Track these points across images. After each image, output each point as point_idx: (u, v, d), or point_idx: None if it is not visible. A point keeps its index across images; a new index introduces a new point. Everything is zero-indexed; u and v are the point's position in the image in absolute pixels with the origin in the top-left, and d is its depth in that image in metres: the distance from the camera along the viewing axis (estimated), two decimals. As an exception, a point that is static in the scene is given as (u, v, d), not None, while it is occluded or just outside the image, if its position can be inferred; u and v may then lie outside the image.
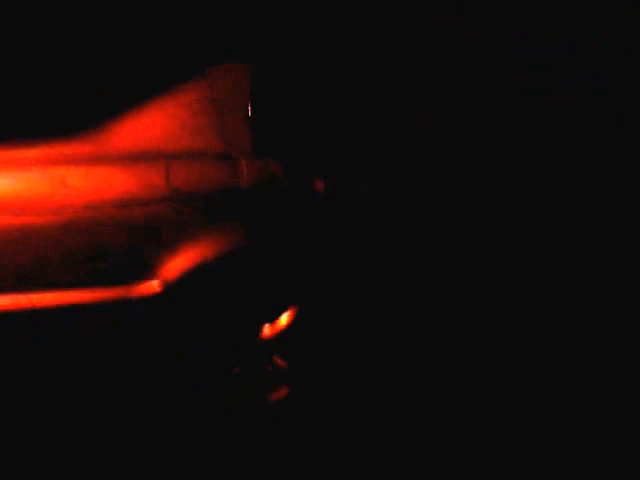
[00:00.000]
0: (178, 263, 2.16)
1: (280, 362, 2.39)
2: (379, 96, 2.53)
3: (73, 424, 2.21)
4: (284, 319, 2.36)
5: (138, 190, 2.10)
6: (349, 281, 2.39)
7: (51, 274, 2.08)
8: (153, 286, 2.15)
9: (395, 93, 2.55)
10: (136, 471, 1.99)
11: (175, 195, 2.13)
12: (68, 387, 2.36)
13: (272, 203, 2.26)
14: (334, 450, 2.11)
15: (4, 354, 2.13)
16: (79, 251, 2.08)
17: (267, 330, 2.35)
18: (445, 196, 2.47)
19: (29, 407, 2.30)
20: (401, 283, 2.49)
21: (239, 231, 2.22)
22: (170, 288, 2.16)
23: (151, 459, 2.05)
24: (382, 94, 2.53)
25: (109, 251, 2.10)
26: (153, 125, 2.17)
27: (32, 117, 2.23)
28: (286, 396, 2.38)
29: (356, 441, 2.15)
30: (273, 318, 2.37)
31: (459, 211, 2.49)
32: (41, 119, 2.22)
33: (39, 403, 2.32)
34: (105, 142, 2.13)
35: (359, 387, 2.49)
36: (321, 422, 2.28)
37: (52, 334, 2.12)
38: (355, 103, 2.48)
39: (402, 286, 2.50)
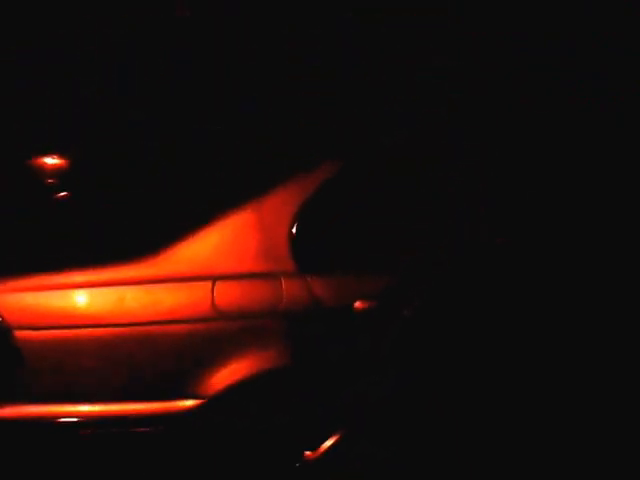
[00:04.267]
0: (218, 380, 2.24)
1: None
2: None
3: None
4: (327, 445, 2.31)
5: (185, 308, 2.27)
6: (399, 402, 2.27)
7: (105, 384, 2.26)
8: (192, 402, 2.24)
9: None
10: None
11: (218, 314, 2.27)
12: None
13: (314, 323, 2.29)
14: None
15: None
16: (129, 364, 2.25)
17: (309, 456, 2.33)
18: None
19: None
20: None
21: (280, 350, 2.27)
22: (209, 404, 2.24)
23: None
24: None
25: (152, 366, 2.26)
26: (205, 249, 2.36)
27: (99, 246, 2.56)
28: None
29: None
30: (316, 444, 2.33)
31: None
32: (107, 247, 2.52)
33: None
34: (160, 265, 2.33)
35: None
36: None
37: (101, 443, 2.26)
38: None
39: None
